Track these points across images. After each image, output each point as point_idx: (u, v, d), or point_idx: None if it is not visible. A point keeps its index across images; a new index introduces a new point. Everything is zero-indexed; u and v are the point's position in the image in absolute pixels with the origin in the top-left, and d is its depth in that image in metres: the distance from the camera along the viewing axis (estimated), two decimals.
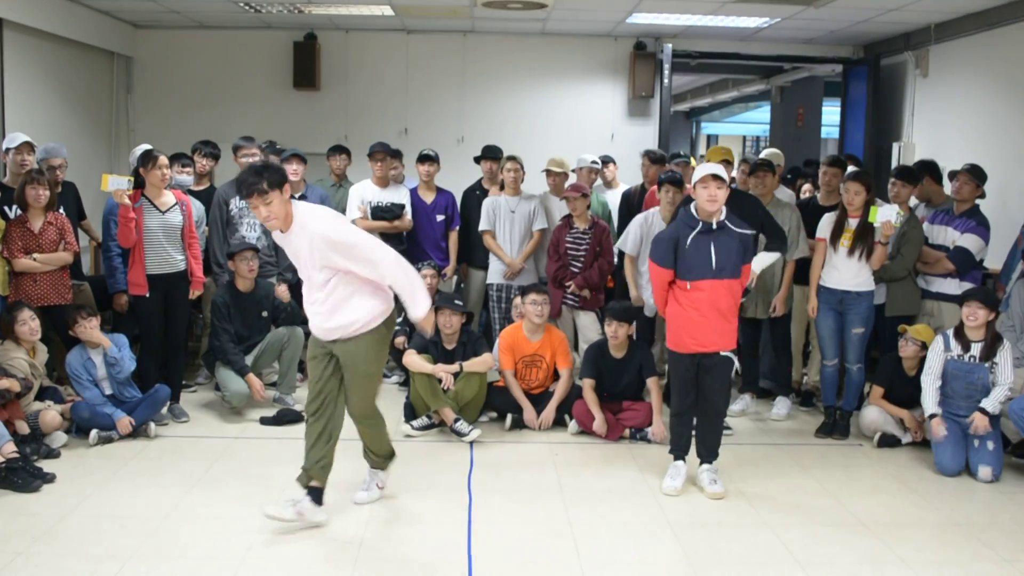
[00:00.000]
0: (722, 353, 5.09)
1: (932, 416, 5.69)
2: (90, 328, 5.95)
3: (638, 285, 6.73)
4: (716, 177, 4.88)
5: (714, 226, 4.97)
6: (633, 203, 7.68)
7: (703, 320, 5.02)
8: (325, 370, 4.63)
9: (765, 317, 6.64)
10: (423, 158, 7.54)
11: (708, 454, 5.29)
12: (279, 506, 4.52)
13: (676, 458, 5.32)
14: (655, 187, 6.96)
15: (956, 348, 5.73)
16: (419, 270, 6.81)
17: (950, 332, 5.83)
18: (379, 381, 4.89)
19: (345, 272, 4.41)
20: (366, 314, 4.49)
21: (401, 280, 4.51)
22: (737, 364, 5.22)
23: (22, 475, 4.96)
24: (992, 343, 5.65)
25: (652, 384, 6.19)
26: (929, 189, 6.85)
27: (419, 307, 4.54)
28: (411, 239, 7.50)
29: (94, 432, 5.72)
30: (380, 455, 4.93)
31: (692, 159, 7.82)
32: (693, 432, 5.33)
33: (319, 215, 4.50)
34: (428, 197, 7.55)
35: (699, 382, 5.19)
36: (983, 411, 5.53)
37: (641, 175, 8.00)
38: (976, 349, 5.67)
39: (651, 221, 6.65)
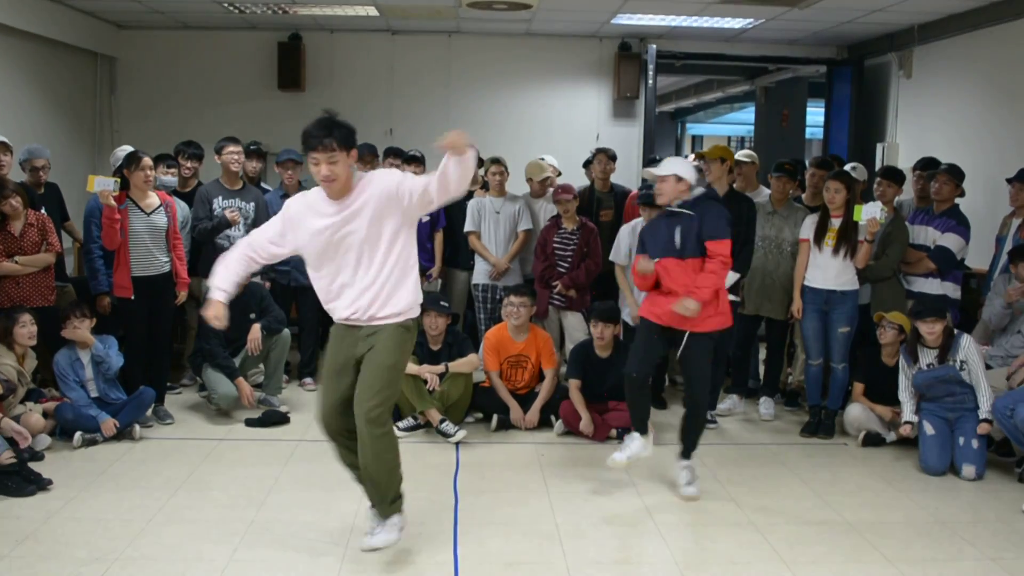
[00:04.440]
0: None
1: (907, 423, 5.84)
2: (80, 328, 5.92)
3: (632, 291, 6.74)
4: (659, 176, 5.08)
5: (674, 207, 5.09)
6: (583, 204, 7.46)
7: (670, 297, 5.05)
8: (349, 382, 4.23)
9: (777, 317, 6.68)
10: (410, 159, 7.52)
11: (686, 449, 5.27)
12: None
13: (635, 428, 5.27)
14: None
15: (912, 363, 5.85)
16: None
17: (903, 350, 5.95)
18: (399, 383, 4.34)
19: (397, 240, 4.11)
20: (405, 304, 4.16)
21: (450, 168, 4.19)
22: None
23: (16, 480, 4.92)
24: (946, 344, 5.72)
25: None
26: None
27: (467, 156, 4.24)
28: None
29: (78, 434, 5.69)
30: (388, 497, 4.25)
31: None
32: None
33: (379, 173, 4.23)
34: None
35: (685, 370, 5.30)
36: (986, 420, 5.59)
37: (595, 172, 7.85)
38: (931, 355, 5.76)
39: (638, 230, 6.64)
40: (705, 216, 5.03)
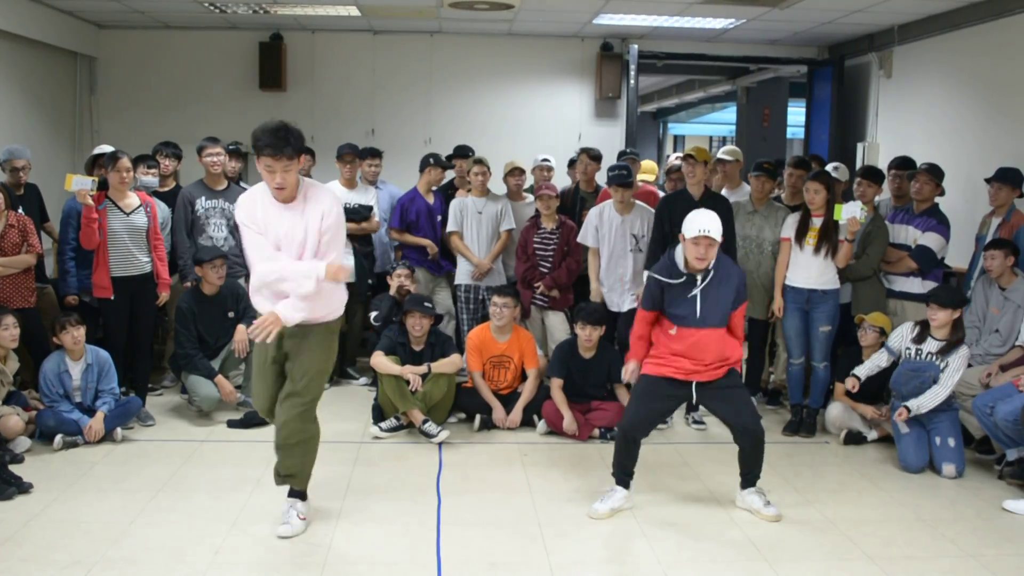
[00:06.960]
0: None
1: (852, 376, 5.90)
2: (78, 338, 5.86)
3: (599, 280, 6.68)
4: (709, 238, 4.62)
5: (699, 280, 4.73)
6: (567, 204, 7.51)
7: (684, 360, 4.81)
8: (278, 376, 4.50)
9: (759, 316, 6.66)
10: (446, 165, 7.55)
11: (751, 480, 4.98)
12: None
13: (617, 482, 4.94)
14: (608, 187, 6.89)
15: (912, 340, 5.75)
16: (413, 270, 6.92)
17: (910, 324, 5.86)
18: (328, 373, 4.66)
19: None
20: (338, 305, 4.49)
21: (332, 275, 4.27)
22: None
23: None
24: (953, 344, 5.63)
25: (620, 386, 6.20)
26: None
27: (297, 308, 4.18)
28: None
29: (59, 437, 5.65)
30: (305, 473, 4.55)
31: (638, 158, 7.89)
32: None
33: (333, 191, 4.77)
34: (430, 199, 7.51)
35: (719, 411, 4.96)
36: (906, 408, 5.58)
37: (578, 173, 7.82)
38: (934, 346, 5.68)
39: (605, 214, 6.62)
40: (733, 277, 4.82)
